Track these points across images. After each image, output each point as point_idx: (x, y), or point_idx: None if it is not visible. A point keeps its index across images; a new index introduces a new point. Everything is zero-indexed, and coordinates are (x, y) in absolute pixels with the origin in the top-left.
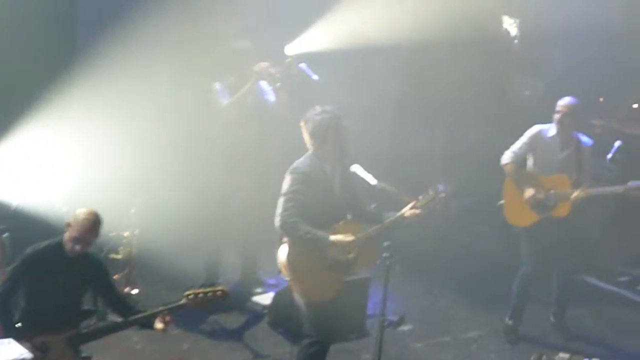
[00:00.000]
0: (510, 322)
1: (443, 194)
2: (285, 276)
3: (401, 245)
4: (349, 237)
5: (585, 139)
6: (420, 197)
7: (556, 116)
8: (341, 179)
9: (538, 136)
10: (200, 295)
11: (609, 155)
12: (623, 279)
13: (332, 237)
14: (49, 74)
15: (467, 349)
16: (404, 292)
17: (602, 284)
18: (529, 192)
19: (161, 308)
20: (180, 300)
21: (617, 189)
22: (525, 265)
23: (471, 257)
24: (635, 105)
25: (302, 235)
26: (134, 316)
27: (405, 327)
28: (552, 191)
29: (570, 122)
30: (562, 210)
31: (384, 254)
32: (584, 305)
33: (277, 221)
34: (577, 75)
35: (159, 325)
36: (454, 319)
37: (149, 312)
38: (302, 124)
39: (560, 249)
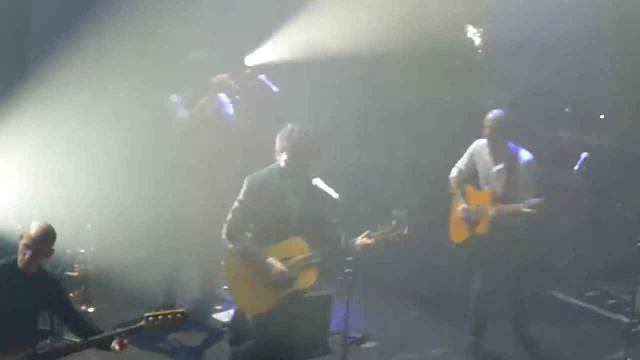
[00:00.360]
0: (471, 339)
1: (404, 231)
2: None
3: (364, 260)
4: (282, 267)
5: (524, 153)
6: (379, 227)
7: (485, 131)
8: (304, 195)
9: (477, 150)
10: (160, 317)
11: (576, 167)
12: (592, 293)
13: (269, 260)
14: (1, 86)
15: None
16: (367, 309)
17: (571, 299)
18: (460, 207)
19: (120, 330)
20: (140, 322)
21: (520, 206)
22: (472, 282)
23: (436, 273)
24: (602, 116)
25: (240, 247)
26: (91, 337)
27: (369, 344)
28: (479, 207)
29: (499, 136)
30: (483, 227)
31: (346, 269)
32: (553, 320)
33: (223, 228)
34: (542, 85)
35: (115, 347)
36: (418, 335)
37: (107, 334)
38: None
39: (504, 265)
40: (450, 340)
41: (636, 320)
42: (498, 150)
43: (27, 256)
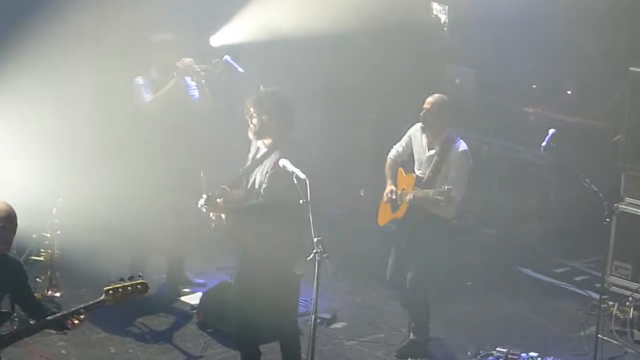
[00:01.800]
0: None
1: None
2: None
3: (333, 241)
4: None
5: (460, 144)
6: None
7: (421, 113)
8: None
9: (413, 134)
10: (120, 289)
11: (543, 144)
12: (560, 270)
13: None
14: None
15: (402, 345)
16: (336, 289)
17: (539, 276)
18: (388, 188)
19: (80, 306)
20: (100, 296)
21: (429, 192)
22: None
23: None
24: (569, 92)
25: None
26: (51, 316)
27: (338, 325)
28: (403, 190)
29: (433, 121)
30: (401, 211)
31: (315, 250)
32: (521, 297)
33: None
34: (509, 62)
35: (72, 321)
36: (388, 315)
37: (66, 312)
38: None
39: (408, 256)
40: None
41: (606, 296)
42: (433, 135)
43: (5, 240)
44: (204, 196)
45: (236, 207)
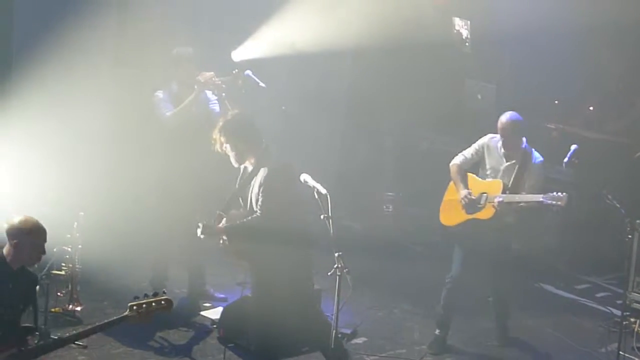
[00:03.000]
0: (437, 332)
1: None
2: None
3: (353, 256)
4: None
5: (536, 154)
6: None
7: (500, 132)
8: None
9: (488, 144)
10: (144, 305)
11: (565, 160)
12: (582, 286)
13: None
14: None
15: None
16: (357, 304)
17: (561, 292)
18: (464, 192)
19: (105, 322)
20: (124, 312)
21: (535, 197)
22: (452, 268)
23: (425, 267)
24: (591, 108)
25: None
26: (77, 331)
27: (359, 340)
28: (485, 194)
29: (512, 138)
30: (487, 213)
31: (336, 265)
32: (542, 313)
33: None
34: (531, 78)
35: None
36: (408, 330)
37: (90, 327)
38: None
39: (492, 253)
40: None
41: (628, 313)
42: (512, 149)
43: (39, 256)
44: (200, 225)
45: (234, 227)
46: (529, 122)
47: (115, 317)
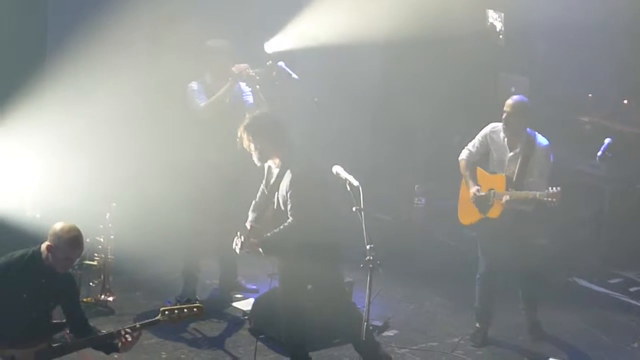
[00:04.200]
0: (477, 325)
1: None
2: None
3: (385, 248)
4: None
5: (541, 139)
6: None
7: (503, 116)
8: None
9: (490, 135)
10: (176, 311)
11: (599, 153)
12: (614, 281)
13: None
14: (20, 75)
15: (453, 354)
16: (388, 297)
17: (594, 286)
18: (473, 189)
19: (135, 324)
20: (156, 316)
21: (536, 194)
22: (479, 263)
23: (457, 260)
24: (625, 101)
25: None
26: (105, 332)
27: (390, 332)
28: (493, 190)
29: (515, 122)
30: (495, 211)
31: (367, 257)
32: (575, 308)
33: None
34: (564, 71)
35: (120, 343)
36: (440, 323)
37: (122, 329)
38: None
39: (512, 250)
40: (472, 329)
41: None
42: (515, 135)
43: (67, 269)
44: (238, 243)
45: (269, 239)
46: (562, 116)
47: (146, 321)
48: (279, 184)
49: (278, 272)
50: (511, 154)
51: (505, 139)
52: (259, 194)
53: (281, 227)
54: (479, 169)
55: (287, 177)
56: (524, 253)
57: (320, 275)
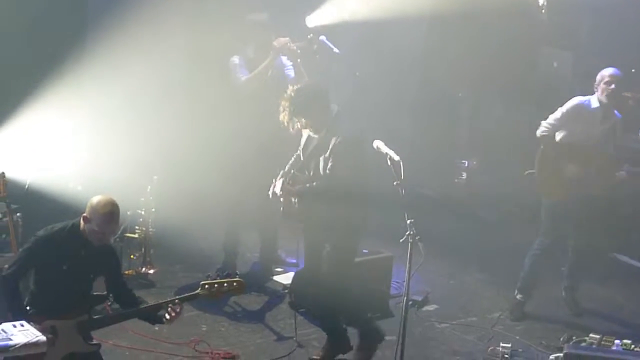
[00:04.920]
0: (519, 297)
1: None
2: None
3: (425, 223)
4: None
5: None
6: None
7: (608, 87)
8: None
9: (578, 108)
10: (216, 285)
11: None
12: None
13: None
14: (62, 50)
15: (493, 330)
16: (428, 272)
17: (635, 262)
18: (573, 167)
19: (175, 297)
20: (196, 290)
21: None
22: (544, 237)
23: (498, 236)
24: None
25: None
26: (147, 304)
27: (430, 307)
28: (594, 168)
29: (617, 94)
30: (600, 188)
31: (408, 232)
32: (616, 283)
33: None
34: (607, 45)
35: (166, 315)
36: (479, 298)
37: (162, 301)
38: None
39: (583, 224)
40: (510, 304)
41: None
42: (610, 108)
43: (98, 242)
44: (279, 182)
45: (307, 189)
46: None
47: (186, 294)
48: (320, 151)
49: (303, 245)
50: (602, 127)
51: (600, 112)
52: (291, 160)
53: (320, 182)
54: (571, 144)
55: (332, 142)
56: (589, 230)
57: (339, 240)
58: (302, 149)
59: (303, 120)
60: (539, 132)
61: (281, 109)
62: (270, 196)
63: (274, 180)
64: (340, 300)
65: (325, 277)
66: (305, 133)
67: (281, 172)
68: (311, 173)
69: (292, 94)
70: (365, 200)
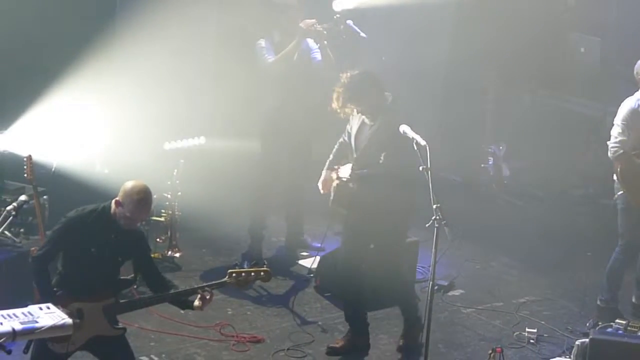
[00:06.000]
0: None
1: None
2: None
3: (452, 208)
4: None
5: None
6: None
7: None
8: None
9: (633, 112)
10: (243, 274)
11: None
12: None
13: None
14: (89, 33)
15: (519, 315)
16: (454, 257)
17: None
18: None
19: (203, 285)
20: (223, 277)
21: None
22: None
23: (524, 222)
24: None
25: None
26: (174, 290)
27: (455, 292)
28: None
29: None
30: None
31: (434, 216)
32: None
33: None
34: (636, 31)
35: (196, 302)
36: (505, 283)
37: (190, 288)
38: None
39: None
40: (537, 290)
41: None
42: None
43: (131, 227)
44: (348, 167)
45: (367, 174)
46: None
47: (213, 282)
48: (378, 138)
49: (342, 230)
50: None
51: None
52: (335, 147)
53: (378, 168)
54: None
55: (389, 130)
56: None
57: (395, 223)
58: (355, 135)
59: (359, 107)
60: (612, 155)
61: (335, 95)
62: (321, 187)
63: (323, 172)
64: (391, 283)
65: (376, 262)
66: (355, 120)
67: (327, 162)
68: (367, 159)
69: (346, 80)
70: (415, 184)
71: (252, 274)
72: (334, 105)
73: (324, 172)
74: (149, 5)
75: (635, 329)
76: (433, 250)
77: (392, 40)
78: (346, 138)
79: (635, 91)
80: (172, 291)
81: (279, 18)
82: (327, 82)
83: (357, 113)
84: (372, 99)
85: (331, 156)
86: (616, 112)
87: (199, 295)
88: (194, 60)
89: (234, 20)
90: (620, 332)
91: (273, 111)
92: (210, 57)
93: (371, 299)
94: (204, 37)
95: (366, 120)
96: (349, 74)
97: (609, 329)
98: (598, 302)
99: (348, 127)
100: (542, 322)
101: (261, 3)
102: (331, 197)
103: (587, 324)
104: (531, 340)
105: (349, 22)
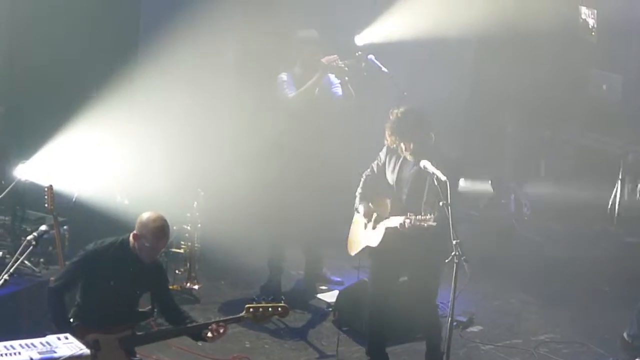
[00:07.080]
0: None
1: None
2: None
3: (471, 244)
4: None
5: None
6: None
7: None
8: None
9: None
10: (261, 309)
11: None
12: None
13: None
14: (111, 64)
15: (537, 352)
16: (473, 293)
17: None
18: None
19: (220, 319)
20: (241, 312)
21: None
22: None
23: (543, 258)
24: None
25: None
26: (191, 324)
27: (474, 328)
28: None
29: None
30: None
31: (453, 252)
32: None
33: None
34: None
35: (209, 334)
36: (524, 321)
37: (206, 322)
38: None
39: None
40: (557, 327)
41: None
42: None
43: (149, 259)
44: (407, 222)
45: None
46: None
47: (231, 317)
48: (421, 178)
49: (370, 262)
50: None
51: None
52: (362, 181)
53: (439, 214)
54: None
55: (432, 169)
56: None
57: (426, 266)
58: (396, 172)
59: (406, 143)
60: None
61: (387, 132)
62: (376, 243)
63: (360, 207)
64: (424, 315)
65: (409, 295)
66: (391, 156)
67: (357, 195)
68: (404, 197)
69: (399, 115)
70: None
71: (270, 309)
72: (389, 141)
73: (361, 207)
74: (171, 40)
75: None
76: (452, 285)
77: (414, 75)
78: (375, 171)
79: None
80: (188, 324)
81: (301, 52)
82: (347, 117)
83: (406, 151)
84: (420, 138)
85: (360, 189)
86: (638, 150)
87: (211, 327)
88: (214, 93)
89: (256, 54)
90: None
91: (293, 145)
92: (230, 89)
93: (397, 333)
94: (225, 70)
95: (408, 158)
96: (401, 109)
97: None
98: (625, 336)
99: (378, 162)
100: None
101: (284, 37)
102: (378, 242)
103: None
104: None
105: (371, 57)
